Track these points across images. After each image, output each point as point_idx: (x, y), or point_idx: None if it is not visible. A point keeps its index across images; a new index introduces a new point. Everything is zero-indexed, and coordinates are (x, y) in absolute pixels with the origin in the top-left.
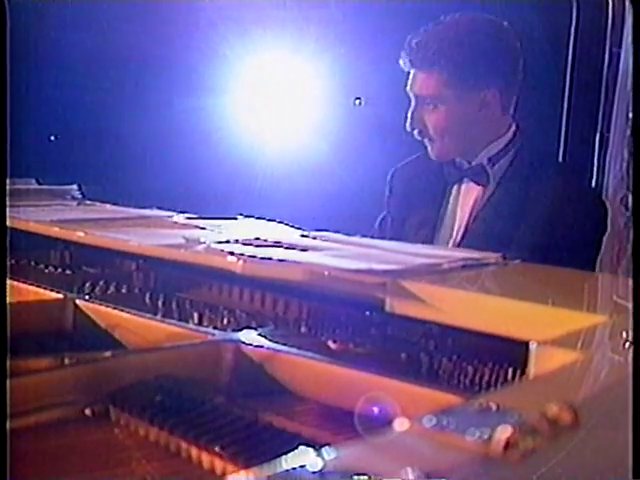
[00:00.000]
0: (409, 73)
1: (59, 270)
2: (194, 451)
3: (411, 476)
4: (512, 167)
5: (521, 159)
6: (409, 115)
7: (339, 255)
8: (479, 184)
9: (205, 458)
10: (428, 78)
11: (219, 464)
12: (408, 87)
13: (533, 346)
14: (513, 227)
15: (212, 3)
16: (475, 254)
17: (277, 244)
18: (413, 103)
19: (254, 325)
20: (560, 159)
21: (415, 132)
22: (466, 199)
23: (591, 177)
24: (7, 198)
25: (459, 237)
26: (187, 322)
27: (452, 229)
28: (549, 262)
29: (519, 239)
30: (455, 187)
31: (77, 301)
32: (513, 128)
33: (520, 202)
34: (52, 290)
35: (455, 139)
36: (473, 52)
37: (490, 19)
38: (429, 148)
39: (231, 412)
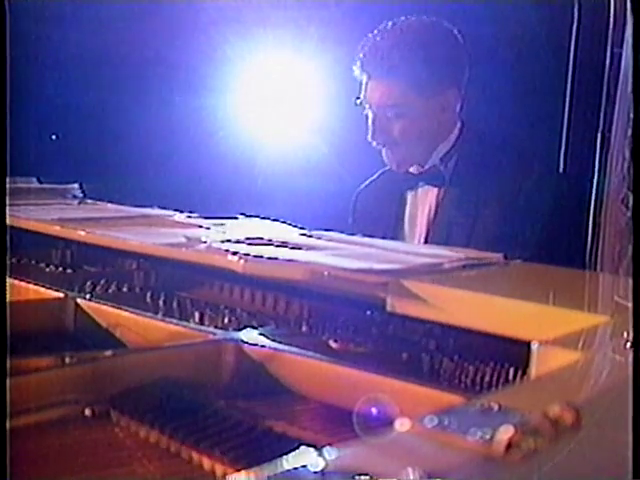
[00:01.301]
0: (361, 84)
1: (60, 269)
2: (195, 455)
3: (412, 476)
4: (462, 162)
5: (469, 153)
6: (370, 127)
7: (340, 254)
8: (435, 186)
9: (206, 462)
10: (391, 87)
11: (219, 469)
12: (363, 98)
13: (535, 346)
14: (473, 222)
15: (213, 3)
16: (476, 254)
17: (278, 243)
18: (371, 114)
19: (255, 324)
20: (562, 160)
21: (374, 143)
22: (424, 203)
23: (592, 177)
24: (8, 197)
25: (422, 241)
26: (188, 321)
27: (414, 235)
28: (511, 253)
29: (479, 233)
30: (411, 193)
31: (78, 300)
32: (459, 124)
33: (476, 196)
34: (53, 289)
35: (417, 144)
36: (433, 54)
37: (432, 20)
38: (389, 158)
39: (232, 416)
